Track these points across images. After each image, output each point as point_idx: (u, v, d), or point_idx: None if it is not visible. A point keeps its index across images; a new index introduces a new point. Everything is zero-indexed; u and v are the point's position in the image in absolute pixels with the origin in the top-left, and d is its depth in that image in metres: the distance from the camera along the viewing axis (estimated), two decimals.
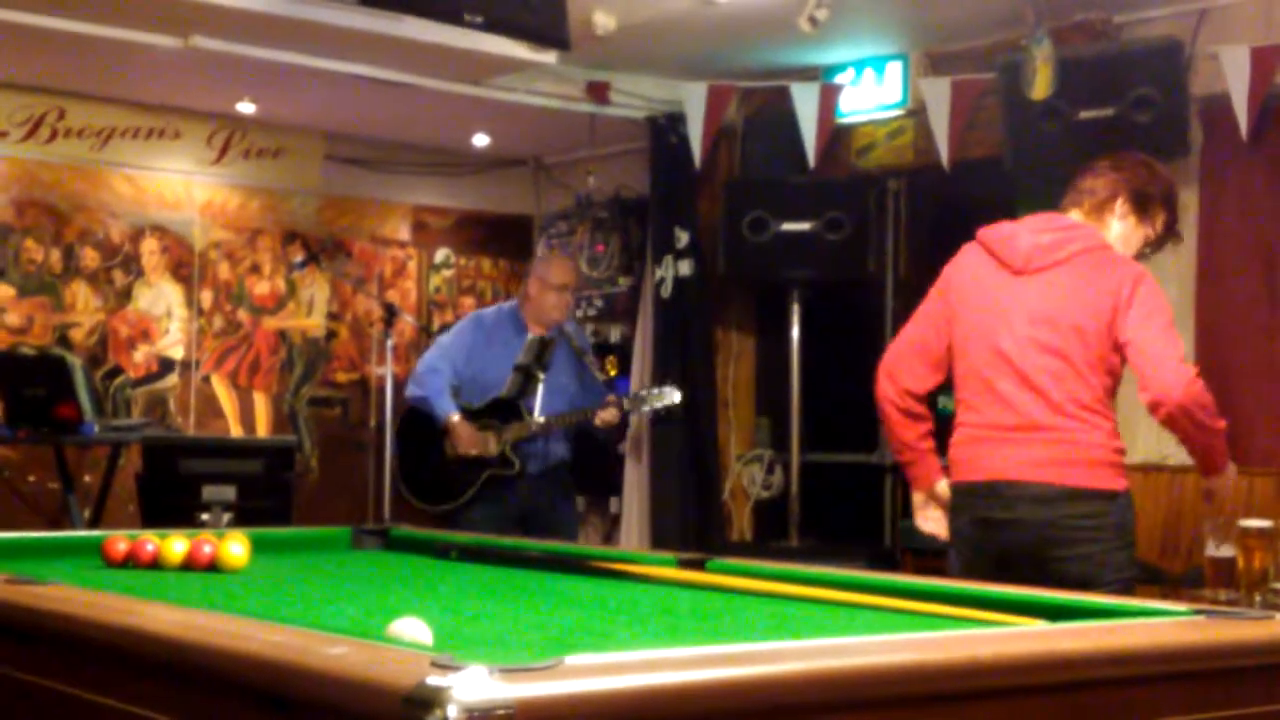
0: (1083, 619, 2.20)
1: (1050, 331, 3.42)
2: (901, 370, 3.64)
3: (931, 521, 3.66)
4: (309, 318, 8.00)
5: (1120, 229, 3.57)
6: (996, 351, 3.46)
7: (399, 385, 6.34)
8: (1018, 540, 3.35)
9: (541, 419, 5.61)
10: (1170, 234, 3.66)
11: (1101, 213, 3.57)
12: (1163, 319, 3.41)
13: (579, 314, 7.92)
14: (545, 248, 8.23)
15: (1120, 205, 3.57)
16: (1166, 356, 3.36)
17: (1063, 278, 3.46)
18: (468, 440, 5.54)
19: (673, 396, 5.87)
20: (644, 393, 5.99)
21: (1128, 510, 3.43)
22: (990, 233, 3.62)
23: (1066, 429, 3.38)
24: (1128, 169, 3.61)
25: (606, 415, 5.68)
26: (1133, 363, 3.39)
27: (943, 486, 3.64)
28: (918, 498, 3.70)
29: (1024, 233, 3.56)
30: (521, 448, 5.63)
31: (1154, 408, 3.37)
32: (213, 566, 2.90)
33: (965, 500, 3.51)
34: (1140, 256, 3.61)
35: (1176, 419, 3.37)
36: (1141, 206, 3.58)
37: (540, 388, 5.66)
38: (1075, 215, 3.60)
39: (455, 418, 5.52)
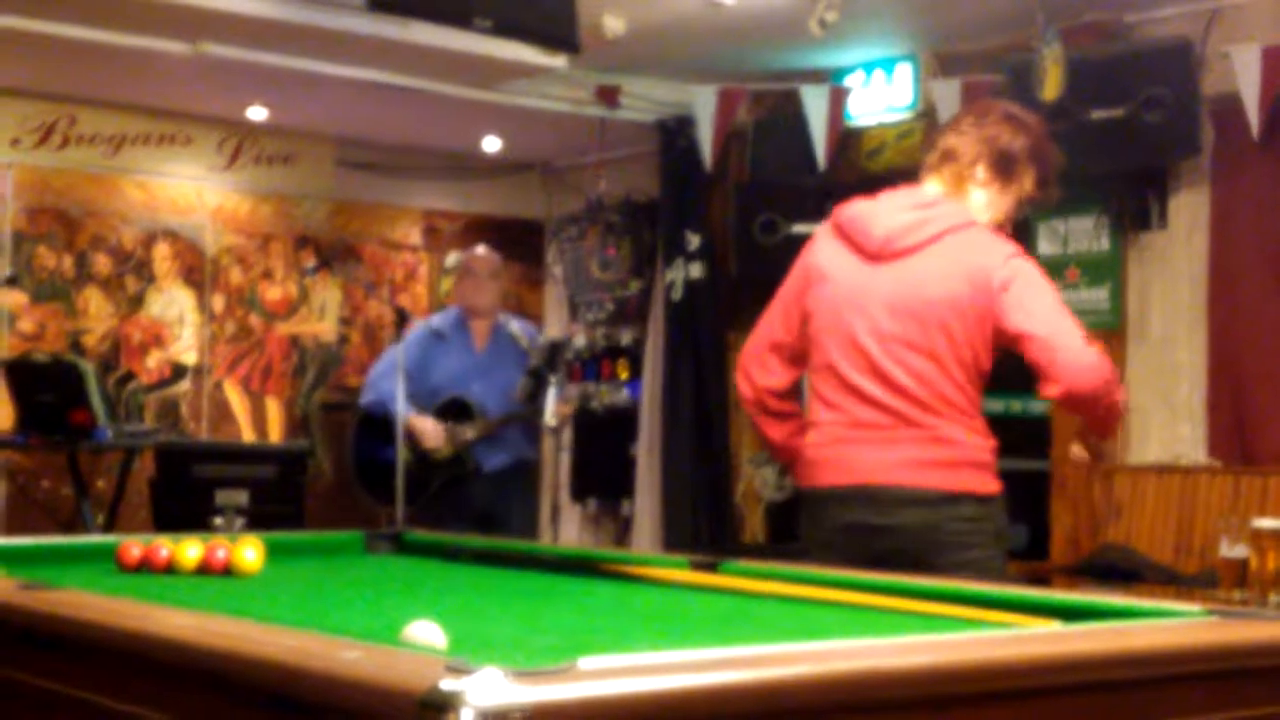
0: (1096, 620, 2.20)
1: (915, 326, 3.12)
2: (757, 368, 3.39)
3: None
4: (321, 322, 8.02)
5: (983, 197, 3.24)
6: (855, 346, 3.18)
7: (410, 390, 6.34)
8: (895, 546, 3.09)
9: (493, 418, 5.68)
10: (1043, 191, 3.29)
11: (961, 181, 3.24)
12: (1048, 300, 3.10)
13: (590, 317, 7.93)
14: (557, 251, 8.24)
15: (982, 171, 3.23)
16: (1069, 344, 3.05)
17: (925, 264, 3.14)
18: (433, 434, 5.59)
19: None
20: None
21: (1002, 514, 3.19)
22: (844, 213, 3.31)
23: (937, 428, 3.11)
24: (991, 125, 3.25)
25: (563, 410, 5.75)
26: (1033, 357, 3.07)
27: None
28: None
29: (880, 213, 3.24)
30: (476, 447, 5.66)
31: (1065, 399, 3.09)
32: (226, 571, 2.90)
33: (830, 505, 3.23)
34: (1017, 218, 3.30)
35: (1090, 404, 3.10)
36: (1005, 170, 3.23)
37: (551, 391, 5.67)
38: (935, 185, 3.27)
39: (416, 419, 5.58)
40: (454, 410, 5.68)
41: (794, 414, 3.40)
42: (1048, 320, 3.07)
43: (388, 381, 5.61)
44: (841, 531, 3.21)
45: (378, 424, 5.67)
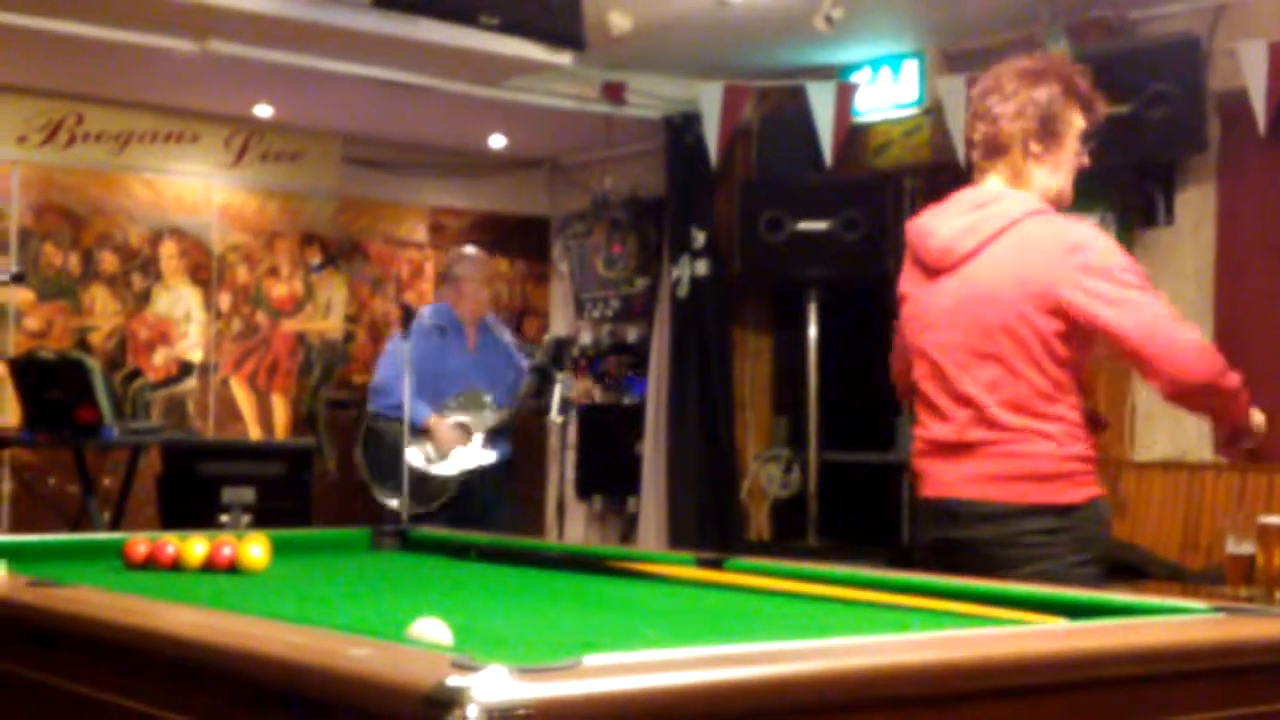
0: (1102, 617, 2.20)
1: (978, 335, 3.02)
2: (902, 379, 3.34)
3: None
4: (327, 320, 8.02)
5: (1045, 170, 3.09)
6: (930, 363, 3.11)
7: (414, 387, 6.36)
8: (970, 559, 3.00)
9: (508, 410, 5.84)
10: (1095, 115, 3.10)
11: (1019, 165, 3.08)
12: (1129, 286, 2.94)
13: (596, 314, 7.93)
14: (563, 248, 8.24)
15: (1034, 145, 3.06)
16: (1163, 332, 2.90)
17: (982, 268, 3.02)
18: (450, 438, 5.62)
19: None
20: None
21: (1089, 522, 3.02)
22: (911, 228, 3.19)
23: (1003, 442, 3.00)
24: (1016, 95, 3.06)
25: (582, 387, 6.00)
26: (1125, 352, 2.94)
27: None
28: None
29: (937, 223, 3.11)
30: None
31: (1174, 397, 2.97)
32: (233, 568, 2.91)
33: (926, 515, 3.20)
34: (1089, 152, 3.13)
35: (1199, 400, 2.99)
36: (1052, 130, 3.05)
37: (556, 388, 5.73)
38: (995, 179, 3.10)
39: (434, 418, 5.66)
40: (469, 405, 5.75)
41: None
42: (1131, 311, 2.91)
43: (397, 384, 5.68)
44: (930, 545, 3.16)
45: (390, 428, 5.71)
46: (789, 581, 2.68)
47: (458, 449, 5.74)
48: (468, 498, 5.83)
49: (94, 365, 6.48)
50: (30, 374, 6.51)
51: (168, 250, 7.54)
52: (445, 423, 5.75)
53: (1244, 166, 5.48)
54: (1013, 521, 2.98)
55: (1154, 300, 2.93)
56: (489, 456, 5.85)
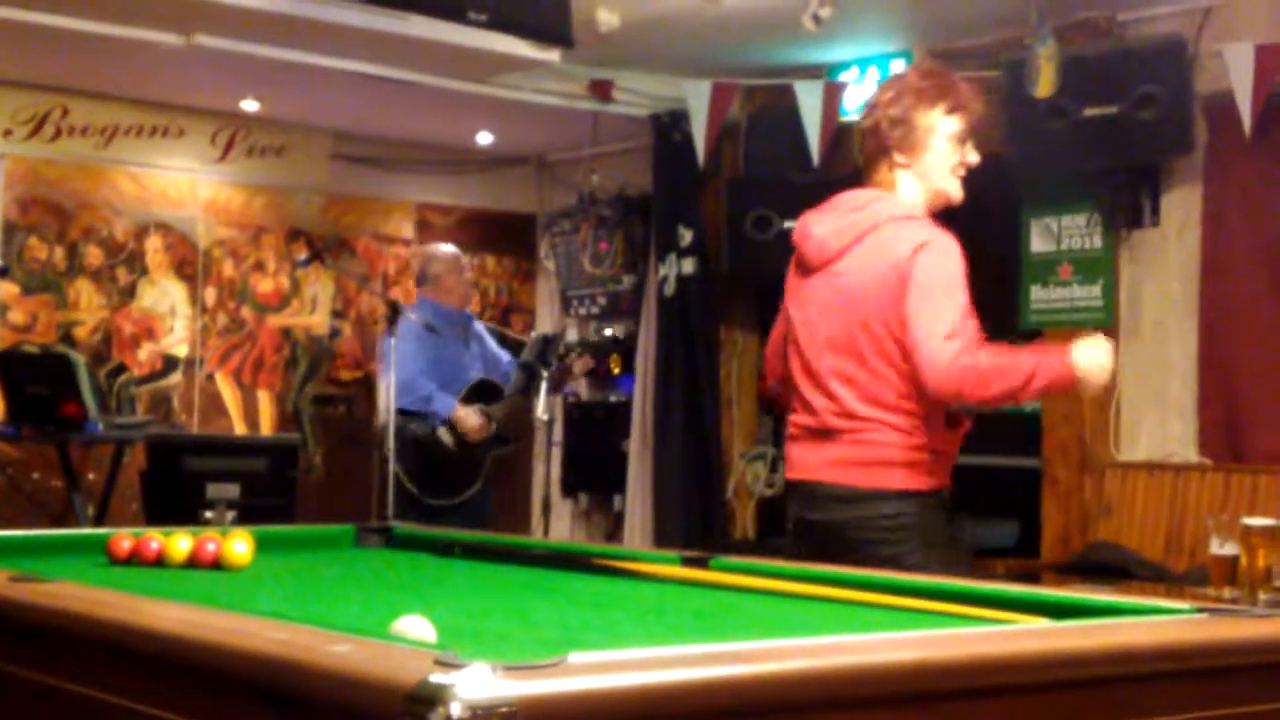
0: (1086, 617, 2.20)
1: (840, 328, 3.22)
2: (774, 371, 3.57)
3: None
4: (313, 315, 8.01)
5: (909, 176, 3.26)
6: (799, 354, 3.32)
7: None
8: (828, 539, 3.21)
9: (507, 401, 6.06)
10: (967, 114, 3.26)
11: (885, 175, 3.27)
12: (934, 294, 3.09)
13: (582, 311, 7.94)
14: (550, 245, 8.24)
15: (896, 155, 3.24)
16: (926, 338, 3.06)
17: (848, 268, 3.22)
18: (476, 426, 5.83)
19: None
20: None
21: (931, 511, 3.20)
22: (795, 227, 3.37)
23: (855, 431, 3.20)
24: (872, 111, 3.28)
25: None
26: (905, 345, 3.12)
27: None
28: None
29: (817, 223, 3.31)
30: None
31: (924, 395, 3.13)
32: (217, 564, 2.90)
33: (790, 497, 3.40)
34: (967, 161, 3.27)
35: (952, 401, 3.14)
36: (908, 138, 3.23)
37: (542, 385, 5.79)
38: (866, 188, 3.30)
39: (460, 409, 5.77)
40: (481, 393, 5.89)
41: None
42: (917, 315, 3.09)
43: (420, 379, 5.86)
44: (793, 523, 3.39)
45: (411, 425, 5.82)
46: (774, 580, 2.68)
47: (483, 436, 5.85)
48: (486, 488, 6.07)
49: (79, 360, 6.46)
50: (14, 368, 6.49)
51: (153, 245, 7.51)
52: (470, 411, 5.89)
53: (1230, 168, 5.50)
54: (862, 505, 3.19)
55: (938, 310, 3.08)
56: (506, 443, 6.05)
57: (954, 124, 3.25)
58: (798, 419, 3.35)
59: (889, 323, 3.15)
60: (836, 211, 3.31)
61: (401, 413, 5.91)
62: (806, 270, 3.32)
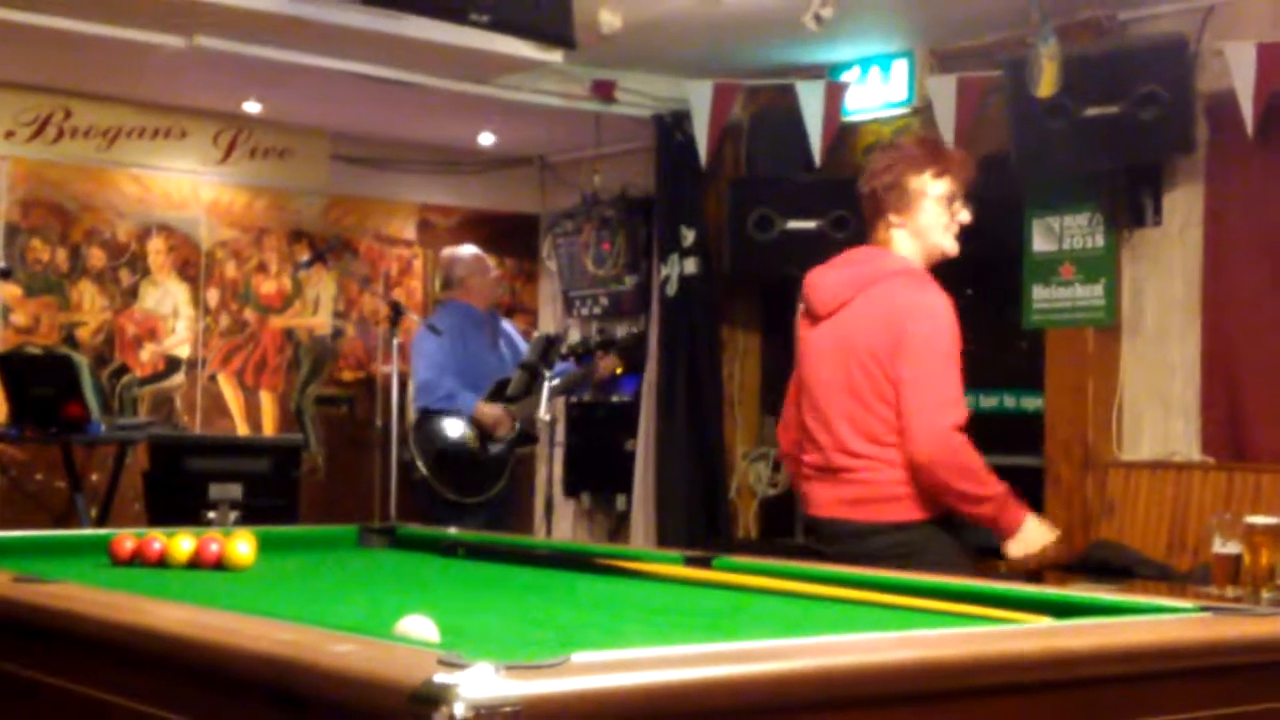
0: (1089, 616, 2.20)
1: (843, 372, 3.49)
2: (790, 425, 3.74)
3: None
4: (315, 316, 8.01)
5: (903, 233, 3.55)
6: (809, 396, 3.60)
7: (405, 384, 6.36)
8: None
9: (556, 381, 6.04)
10: (957, 179, 3.54)
11: (882, 232, 3.57)
12: (927, 362, 3.38)
13: (585, 312, 7.94)
14: (552, 246, 8.24)
15: (891, 215, 3.54)
16: (919, 408, 3.35)
17: (854, 315, 3.51)
18: (499, 419, 5.89)
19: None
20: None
21: (934, 536, 3.44)
22: (806, 279, 3.68)
23: (856, 469, 3.47)
24: (870, 176, 3.58)
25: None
26: (897, 408, 3.40)
27: None
28: None
29: (822, 276, 3.63)
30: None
31: (910, 461, 3.38)
32: (219, 565, 2.90)
33: (813, 533, 3.70)
34: (959, 219, 3.54)
35: (927, 477, 3.36)
36: (901, 199, 3.53)
37: (545, 386, 5.80)
38: (868, 246, 3.62)
39: (484, 405, 5.80)
40: (503, 392, 6.01)
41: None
42: (911, 380, 3.36)
43: (447, 378, 5.89)
44: (816, 554, 3.62)
45: (436, 424, 5.82)
46: (777, 580, 2.69)
47: (506, 432, 5.93)
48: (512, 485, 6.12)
49: (81, 361, 6.46)
50: (17, 370, 6.49)
51: (155, 246, 7.52)
52: (493, 407, 5.92)
53: (1232, 167, 5.49)
54: (868, 539, 3.43)
55: (932, 379, 3.37)
56: (530, 441, 6.13)
57: (942, 186, 3.53)
58: (808, 458, 3.61)
59: (883, 365, 3.42)
60: (842, 265, 3.62)
61: (424, 412, 5.94)
62: (814, 319, 3.61)
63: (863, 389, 3.45)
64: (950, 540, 3.48)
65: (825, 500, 3.56)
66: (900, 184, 3.53)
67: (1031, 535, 3.47)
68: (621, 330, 7.76)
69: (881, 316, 3.44)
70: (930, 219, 3.53)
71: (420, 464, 5.90)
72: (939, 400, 3.36)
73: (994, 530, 3.47)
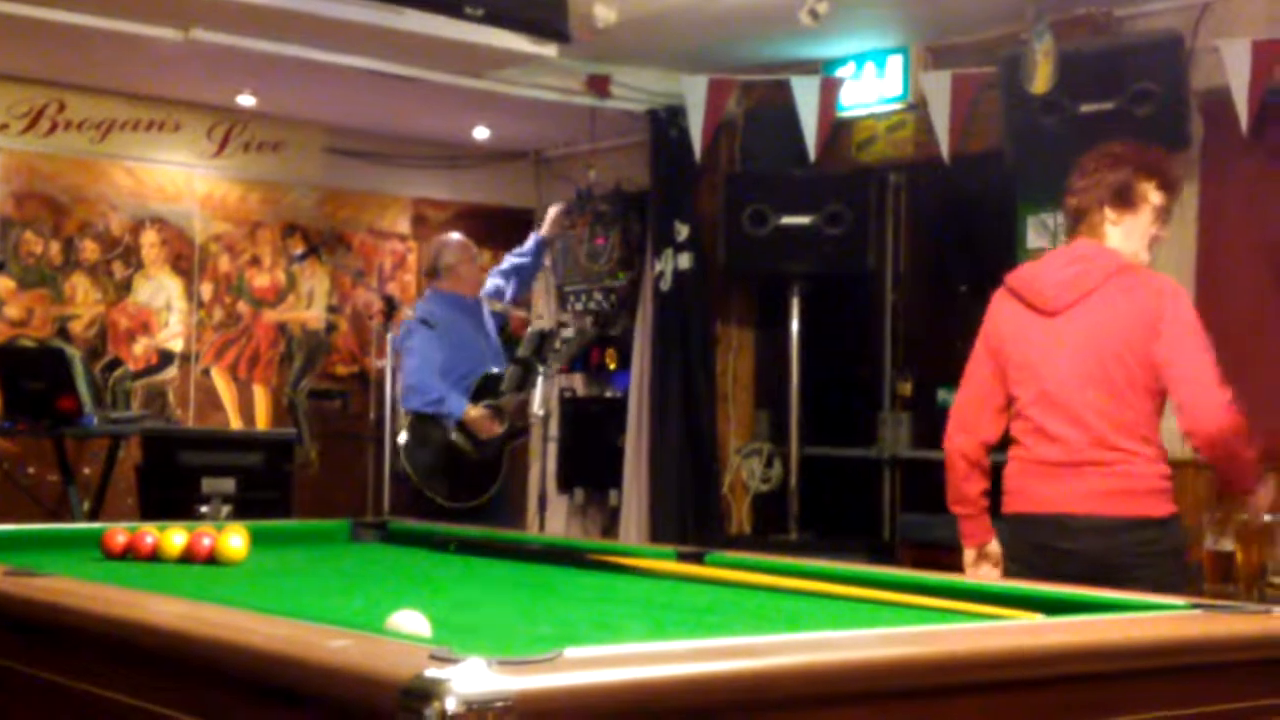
0: (1080, 612, 2.20)
1: (1093, 364, 3.50)
2: (977, 422, 3.69)
3: (983, 579, 3.65)
4: (309, 310, 8.00)
5: (1119, 232, 3.61)
6: (1042, 392, 3.55)
7: (398, 378, 6.35)
8: (1077, 567, 3.40)
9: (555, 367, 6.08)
10: (1172, 193, 3.69)
11: (1098, 228, 3.62)
12: (1196, 340, 3.46)
13: (579, 307, 7.93)
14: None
15: (1109, 212, 3.61)
16: (1202, 383, 3.43)
17: (1095, 310, 3.53)
18: (489, 425, 5.78)
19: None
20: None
21: (1179, 533, 3.54)
22: (1015, 277, 3.71)
23: (1114, 462, 3.48)
24: (1092, 172, 3.65)
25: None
26: (1169, 387, 3.46)
27: (994, 546, 3.71)
28: (970, 554, 3.74)
29: (1046, 272, 3.64)
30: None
31: (1187, 436, 3.47)
32: (212, 559, 2.90)
33: (1023, 528, 3.60)
34: (1167, 227, 3.67)
35: (1207, 447, 3.48)
36: (1125, 200, 3.60)
37: (539, 381, 5.77)
38: (1084, 241, 3.65)
39: (472, 410, 5.72)
40: (488, 388, 5.89)
41: (988, 473, 3.72)
42: (1187, 357, 3.44)
43: (437, 380, 5.81)
44: (1031, 550, 3.56)
45: (426, 430, 5.79)
46: (769, 576, 2.69)
47: (496, 433, 5.81)
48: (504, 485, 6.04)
49: (74, 354, 6.45)
50: (10, 363, 6.48)
51: (149, 239, 7.51)
52: (481, 411, 5.81)
53: (1226, 165, 5.50)
54: (1123, 533, 3.46)
55: (1205, 356, 3.46)
56: (520, 435, 6.06)
57: (1162, 199, 3.64)
58: (1029, 454, 3.57)
59: (1138, 355, 3.46)
60: (1059, 261, 3.65)
61: (415, 416, 5.85)
62: (1043, 314, 3.59)
63: (1118, 382, 3.47)
64: (1187, 532, 3.57)
65: (1062, 494, 3.51)
66: (1130, 184, 3.59)
67: (1266, 498, 3.67)
68: (615, 327, 7.75)
69: (1132, 308, 3.48)
70: (1145, 225, 3.62)
71: (412, 473, 5.85)
72: (1214, 376, 3.44)
73: (1230, 486, 3.65)
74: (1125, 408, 3.47)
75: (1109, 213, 3.60)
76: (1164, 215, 3.66)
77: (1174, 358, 3.44)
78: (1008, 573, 3.61)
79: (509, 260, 6.44)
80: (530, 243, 6.47)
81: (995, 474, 3.71)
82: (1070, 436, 3.50)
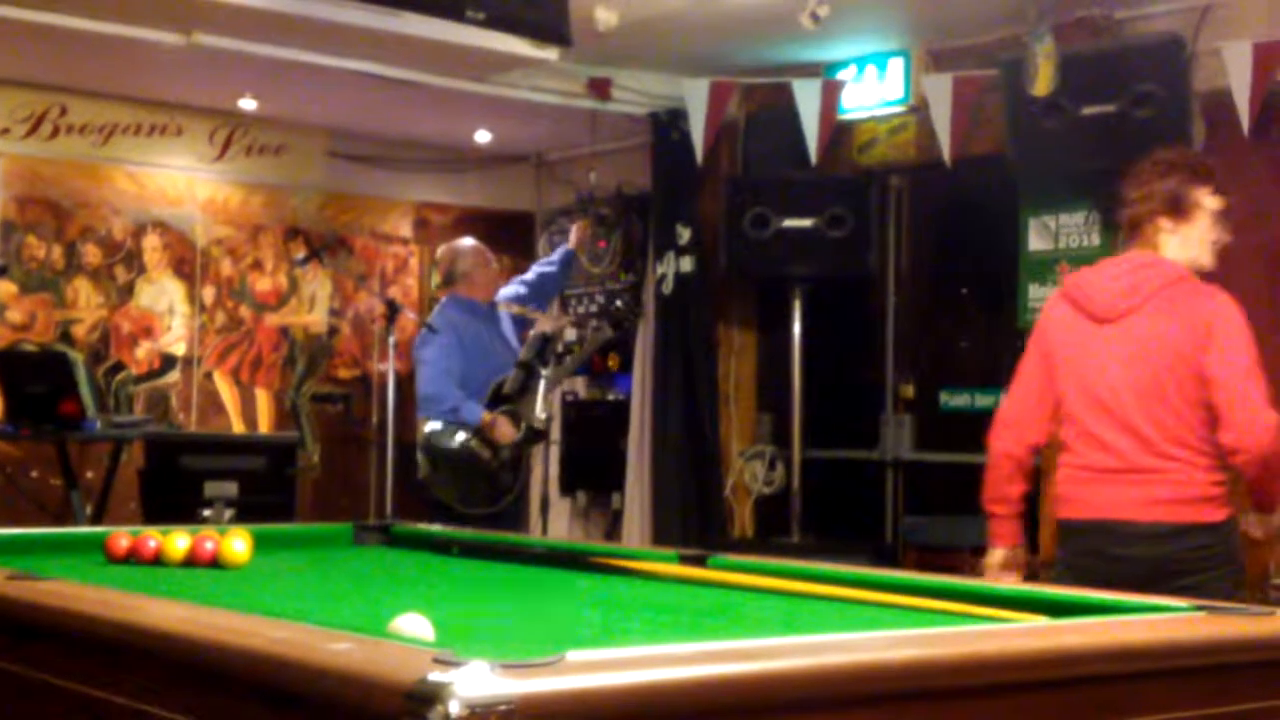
0: (1084, 615, 2.20)
1: (1146, 374, 3.50)
2: (1025, 423, 3.69)
3: (1005, 584, 3.64)
4: (311, 314, 8.01)
5: (1175, 241, 3.61)
6: (1094, 399, 3.56)
7: (400, 382, 6.35)
8: (1129, 572, 3.41)
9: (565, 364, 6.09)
10: (1224, 199, 3.69)
11: (1152, 238, 3.62)
12: (1246, 357, 3.47)
13: (580, 310, 7.94)
14: (548, 244, 8.24)
15: (1163, 221, 3.61)
16: (1250, 401, 3.42)
17: (1148, 319, 3.53)
18: (507, 431, 5.72)
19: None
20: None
21: (1231, 536, 3.54)
22: (1072, 283, 3.72)
23: (1166, 470, 3.48)
24: (1146, 182, 3.65)
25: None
26: (1216, 400, 3.45)
27: (1021, 551, 3.72)
28: (999, 554, 3.72)
29: (1102, 279, 3.65)
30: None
31: (1232, 452, 3.45)
32: (215, 563, 2.90)
33: (1072, 536, 3.62)
34: (1222, 237, 3.67)
35: (1251, 466, 3.46)
36: (1179, 210, 3.61)
37: (541, 385, 5.76)
38: (1138, 250, 3.65)
39: (489, 415, 5.68)
40: (499, 398, 5.83)
41: (1030, 477, 3.74)
42: (1236, 373, 3.44)
43: (452, 389, 5.74)
44: (1082, 555, 3.57)
45: (444, 439, 5.75)
46: (772, 578, 2.69)
47: (514, 439, 5.77)
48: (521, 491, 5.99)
49: (77, 358, 6.46)
50: (13, 367, 6.49)
51: (151, 243, 7.51)
52: (499, 417, 5.75)
53: (1228, 166, 5.46)
54: (1175, 539, 3.46)
55: (1254, 375, 3.46)
56: (538, 438, 5.99)
57: (1217, 203, 3.65)
58: (1080, 460, 3.57)
59: (1191, 367, 3.46)
60: (1115, 269, 3.65)
61: (430, 424, 5.81)
62: (1097, 321, 3.59)
63: (1169, 392, 3.47)
64: (1239, 537, 3.57)
65: (1118, 501, 3.51)
66: (1181, 193, 3.61)
67: None
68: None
69: (1185, 320, 3.49)
70: (1202, 231, 3.63)
71: (430, 481, 5.81)
72: (1262, 395, 3.43)
73: (1261, 503, 3.59)
74: (1176, 418, 3.48)
75: (1164, 223, 3.61)
76: (1222, 218, 3.67)
77: (1223, 375, 3.44)
78: (1059, 578, 3.60)
79: (535, 270, 6.42)
80: (558, 253, 6.44)
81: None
82: (1121, 444, 3.51)
